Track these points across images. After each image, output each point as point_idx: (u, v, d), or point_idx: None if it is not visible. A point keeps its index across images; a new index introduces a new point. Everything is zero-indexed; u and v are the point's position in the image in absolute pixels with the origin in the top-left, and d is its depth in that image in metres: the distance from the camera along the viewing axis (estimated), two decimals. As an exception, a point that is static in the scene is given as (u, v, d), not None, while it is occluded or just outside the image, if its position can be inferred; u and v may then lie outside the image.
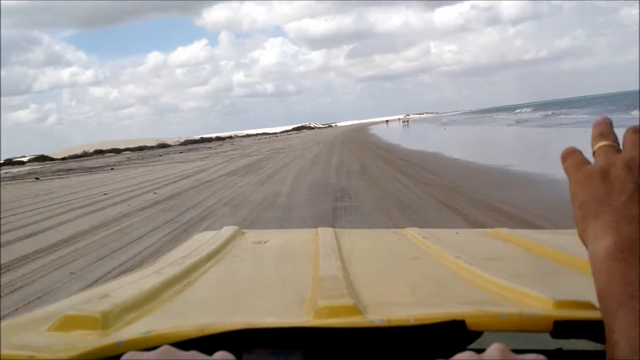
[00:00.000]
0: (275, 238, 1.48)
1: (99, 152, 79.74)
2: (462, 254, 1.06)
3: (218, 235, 1.40)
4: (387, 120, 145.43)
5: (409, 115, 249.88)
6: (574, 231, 1.17)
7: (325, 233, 1.37)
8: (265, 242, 1.38)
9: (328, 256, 1.09)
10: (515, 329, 0.66)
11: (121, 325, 0.70)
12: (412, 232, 1.39)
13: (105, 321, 0.70)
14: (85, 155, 78.75)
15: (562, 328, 0.64)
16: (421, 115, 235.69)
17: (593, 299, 0.66)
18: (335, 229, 1.45)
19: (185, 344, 0.59)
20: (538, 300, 0.71)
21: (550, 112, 47.17)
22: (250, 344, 0.65)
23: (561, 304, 0.68)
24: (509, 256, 1.17)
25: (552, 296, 0.70)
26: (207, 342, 0.61)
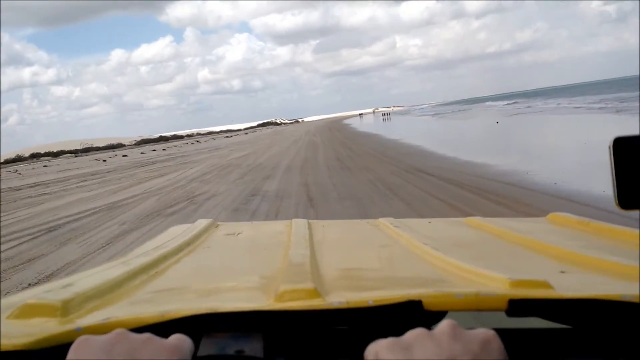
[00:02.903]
0: (248, 230, 1.50)
1: (34, 156, 70.93)
2: (431, 240, 1.08)
3: (192, 228, 1.40)
4: (360, 114, 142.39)
5: (377, 109, 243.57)
6: (544, 219, 1.19)
7: (298, 224, 1.37)
8: (238, 234, 1.39)
9: (298, 245, 1.08)
10: (472, 308, 0.66)
11: (82, 313, 0.70)
12: (384, 222, 1.39)
13: (65, 309, 0.69)
14: (19, 159, 70.07)
15: (516, 306, 0.65)
16: (391, 109, 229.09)
17: (550, 279, 0.69)
18: (310, 220, 1.45)
19: (145, 330, 0.58)
20: (495, 280, 0.73)
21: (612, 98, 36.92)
22: (211, 329, 0.64)
23: (517, 284, 0.69)
24: (476, 242, 1.19)
25: (509, 276, 0.71)
26: (168, 328, 0.61)
